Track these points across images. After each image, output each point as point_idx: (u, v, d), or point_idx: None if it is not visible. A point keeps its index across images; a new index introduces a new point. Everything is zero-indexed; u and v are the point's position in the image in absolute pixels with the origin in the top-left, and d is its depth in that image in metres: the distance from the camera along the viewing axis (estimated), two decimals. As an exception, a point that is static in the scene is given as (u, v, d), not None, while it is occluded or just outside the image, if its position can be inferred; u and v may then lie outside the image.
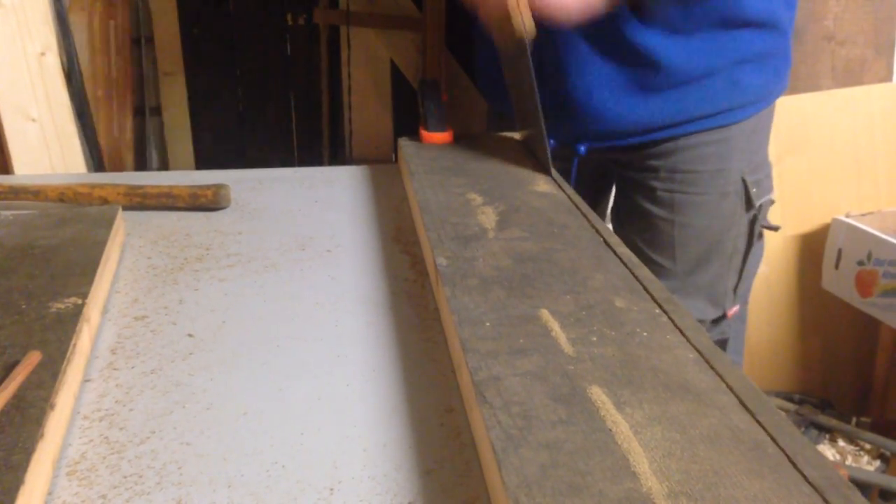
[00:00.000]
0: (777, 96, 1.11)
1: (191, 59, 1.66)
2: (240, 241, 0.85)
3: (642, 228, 1.11)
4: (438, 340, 0.66)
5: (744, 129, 1.07)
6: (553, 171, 0.95)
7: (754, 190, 1.09)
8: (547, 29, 0.91)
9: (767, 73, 1.07)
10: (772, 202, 1.14)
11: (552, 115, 0.99)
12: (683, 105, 1.02)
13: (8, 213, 0.83)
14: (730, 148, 1.06)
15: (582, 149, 1.09)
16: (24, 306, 0.62)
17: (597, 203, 1.27)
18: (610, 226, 1.17)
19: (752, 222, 1.11)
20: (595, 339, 0.57)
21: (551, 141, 1.06)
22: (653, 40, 0.98)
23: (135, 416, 0.56)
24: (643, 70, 1.00)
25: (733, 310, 1.16)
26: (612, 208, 1.21)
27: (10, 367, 0.53)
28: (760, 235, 1.14)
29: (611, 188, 1.27)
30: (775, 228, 1.17)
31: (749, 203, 1.09)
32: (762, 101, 1.08)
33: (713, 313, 1.14)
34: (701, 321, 1.14)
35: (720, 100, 1.03)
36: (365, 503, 0.48)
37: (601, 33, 0.98)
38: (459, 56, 1.59)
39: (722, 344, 1.19)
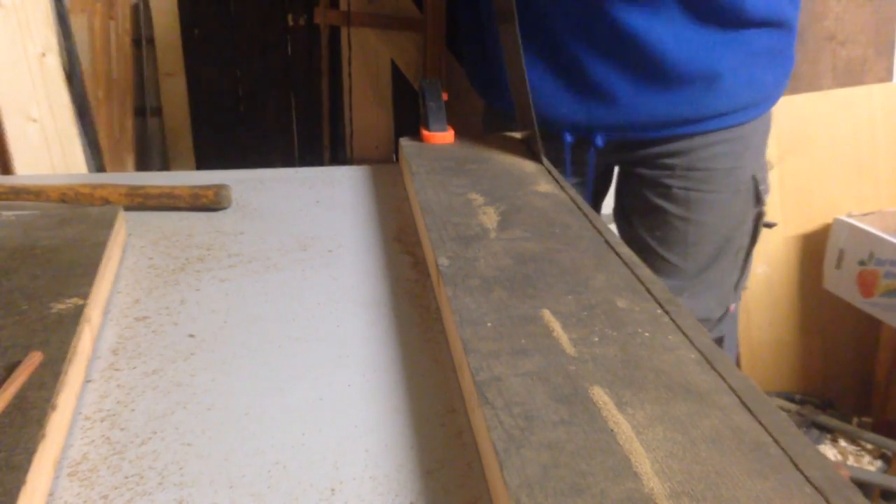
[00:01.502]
0: (781, 95, 1.12)
1: (191, 60, 1.66)
2: (241, 241, 0.85)
3: (655, 226, 1.12)
4: (440, 341, 0.66)
5: (756, 128, 1.08)
6: (545, 161, 0.95)
7: (762, 187, 1.10)
8: (557, 29, 0.92)
9: (778, 70, 1.07)
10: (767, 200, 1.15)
11: (570, 101, 0.99)
12: (702, 102, 1.02)
13: (9, 213, 0.83)
14: (744, 146, 1.07)
15: (599, 140, 1.09)
16: (25, 307, 0.62)
17: (595, 203, 1.27)
18: (611, 225, 1.17)
19: (757, 218, 1.12)
20: (597, 339, 0.57)
21: (567, 135, 1.06)
22: (666, 34, 0.98)
23: (136, 417, 0.56)
24: (660, 64, 1.00)
25: (733, 306, 1.17)
26: (617, 207, 1.21)
27: (12, 368, 0.53)
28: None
29: (608, 189, 1.27)
30: (772, 225, 1.18)
31: (758, 200, 1.10)
32: (772, 98, 1.09)
33: (718, 310, 1.15)
34: (708, 320, 1.14)
35: (737, 97, 1.04)
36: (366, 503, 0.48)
37: (615, 27, 0.99)
38: (459, 56, 1.59)
39: (719, 342, 1.20)
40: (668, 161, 1.08)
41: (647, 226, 1.12)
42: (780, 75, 1.09)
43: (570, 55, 1.03)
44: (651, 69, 1.00)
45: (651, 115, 1.04)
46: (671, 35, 0.98)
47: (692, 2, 0.97)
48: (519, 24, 0.95)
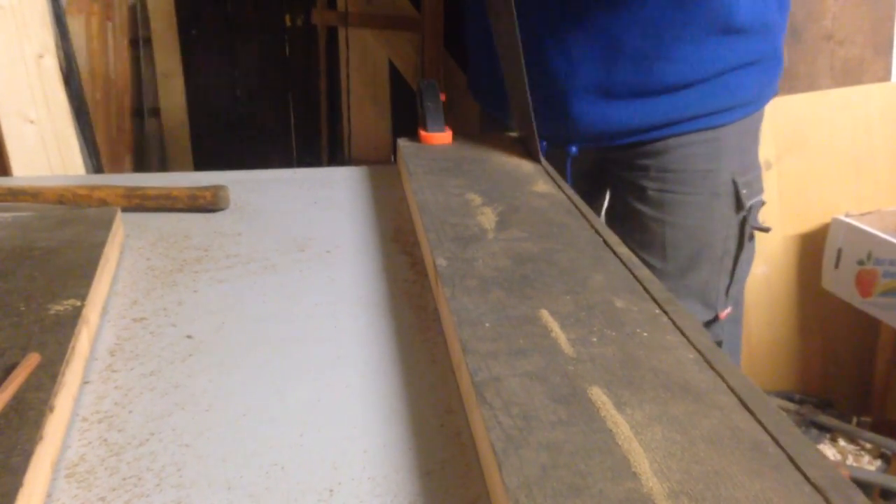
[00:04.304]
0: (768, 99, 1.11)
1: (189, 61, 1.66)
2: (239, 242, 0.85)
3: (633, 229, 1.11)
4: (438, 341, 0.66)
5: (734, 131, 1.07)
6: (543, 161, 0.95)
7: (744, 191, 1.09)
8: (535, 31, 0.91)
9: (760, 77, 1.07)
10: (762, 203, 1.14)
11: (542, 116, 0.99)
12: (674, 108, 1.02)
13: (7, 215, 0.83)
14: (720, 148, 1.06)
15: (573, 149, 1.09)
16: (22, 308, 0.62)
17: (591, 204, 1.27)
18: (606, 226, 1.17)
19: (743, 224, 1.11)
20: (595, 339, 0.57)
21: (543, 143, 1.06)
22: (644, 44, 0.98)
23: (134, 418, 0.55)
24: (635, 74, 1.00)
25: (725, 312, 1.16)
26: (607, 209, 1.21)
27: (9, 370, 0.53)
28: (751, 237, 1.14)
29: (605, 189, 1.27)
30: (766, 230, 1.17)
31: (739, 204, 1.09)
32: (753, 104, 1.09)
33: (705, 315, 1.14)
34: None
35: (712, 102, 1.03)
36: (365, 505, 0.48)
37: (594, 37, 0.99)
38: (457, 56, 1.59)
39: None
40: (643, 162, 1.08)
41: (627, 229, 1.12)
42: (763, 81, 1.08)
43: (542, 65, 1.03)
44: (625, 78, 1.00)
45: (623, 124, 1.04)
46: (650, 44, 0.98)
47: (679, 8, 0.97)
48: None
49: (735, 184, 1.08)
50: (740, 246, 1.13)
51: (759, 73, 1.06)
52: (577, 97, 1.03)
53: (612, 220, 1.17)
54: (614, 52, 0.99)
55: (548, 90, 1.03)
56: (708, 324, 1.15)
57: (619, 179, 1.13)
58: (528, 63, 0.92)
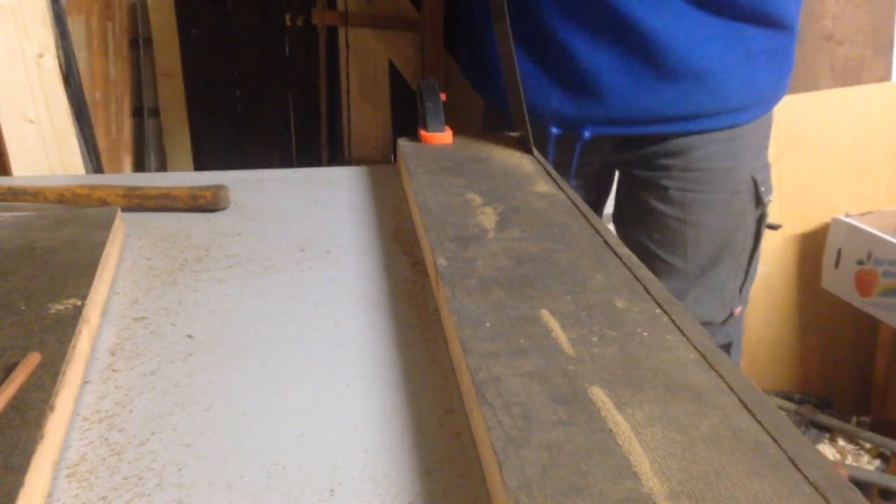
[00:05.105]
0: (782, 96, 1.11)
1: (189, 61, 1.66)
2: (239, 242, 0.85)
3: (652, 229, 1.11)
4: (438, 341, 0.66)
5: (752, 129, 1.07)
6: (536, 153, 0.95)
7: (762, 188, 1.09)
8: (548, 13, 0.91)
9: (777, 71, 1.07)
10: (769, 202, 1.14)
11: (559, 92, 0.98)
12: (695, 98, 1.01)
13: (7, 214, 0.83)
14: (740, 146, 1.06)
15: (586, 133, 1.08)
16: (23, 308, 0.62)
17: (595, 206, 1.27)
18: (609, 226, 1.17)
19: (760, 220, 1.12)
20: (595, 339, 0.57)
21: (554, 129, 1.05)
22: (661, 23, 0.98)
23: (134, 418, 0.55)
24: (652, 55, 0.99)
25: (738, 309, 1.16)
26: (615, 211, 1.20)
27: (10, 369, 0.53)
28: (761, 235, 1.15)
29: (608, 193, 1.27)
30: (776, 227, 1.17)
31: (758, 201, 1.10)
32: (771, 100, 1.09)
33: (722, 313, 1.14)
34: (711, 323, 1.14)
35: (732, 97, 1.03)
36: (365, 504, 0.48)
37: (610, 14, 0.98)
38: (457, 56, 1.59)
39: (727, 348, 1.19)
40: (665, 161, 1.07)
41: (646, 229, 1.12)
42: (778, 77, 1.08)
43: (559, 43, 1.02)
44: (642, 58, 0.99)
45: (641, 108, 1.03)
46: (666, 23, 0.98)
47: None
48: (508, 11, 0.95)
49: (754, 181, 1.09)
50: (756, 243, 1.13)
51: (776, 66, 1.06)
52: (597, 74, 1.01)
53: (626, 221, 1.17)
54: (632, 29, 0.98)
55: (570, 67, 1.02)
56: (724, 321, 1.15)
57: (637, 179, 1.12)
58: (546, 44, 0.92)
